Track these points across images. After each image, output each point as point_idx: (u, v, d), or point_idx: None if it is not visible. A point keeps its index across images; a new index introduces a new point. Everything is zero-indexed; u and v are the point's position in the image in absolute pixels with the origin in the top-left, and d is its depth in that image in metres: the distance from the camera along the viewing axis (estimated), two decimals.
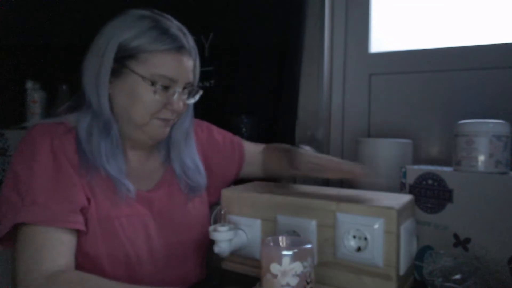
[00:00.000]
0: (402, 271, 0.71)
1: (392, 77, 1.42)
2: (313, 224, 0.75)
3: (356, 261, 0.71)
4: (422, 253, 0.80)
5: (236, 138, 1.05)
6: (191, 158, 0.91)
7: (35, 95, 1.59)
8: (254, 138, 1.43)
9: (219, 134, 1.03)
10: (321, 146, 1.47)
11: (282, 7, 1.46)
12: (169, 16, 0.83)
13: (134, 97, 0.77)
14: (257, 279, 0.78)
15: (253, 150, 1.05)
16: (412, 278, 0.81)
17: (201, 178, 0.92)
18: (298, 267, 0.52)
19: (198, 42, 0.98)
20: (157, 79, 0.76)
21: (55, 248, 0.68)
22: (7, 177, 0.74)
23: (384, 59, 1.44)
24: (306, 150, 0.93)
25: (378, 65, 1.45)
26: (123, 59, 0.77)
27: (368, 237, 0.69)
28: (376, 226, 0.69)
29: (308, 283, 0.53)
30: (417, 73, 1.37)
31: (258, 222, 0.81)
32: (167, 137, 0.87)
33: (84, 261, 0.74)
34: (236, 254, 0.83)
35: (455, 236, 0.78)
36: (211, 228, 0.79)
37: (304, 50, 1.47)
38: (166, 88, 0.78)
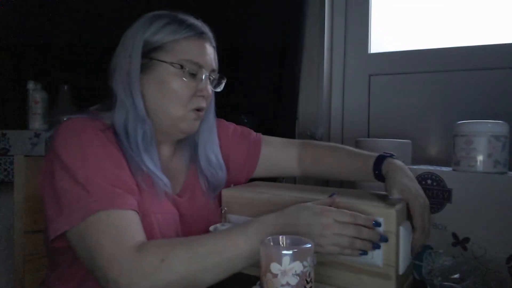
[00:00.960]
0: (401, 271, 0.71)
1: (392, 78, 1.42)
2: None
3: (355, 261, 0.71)
4: (422, 252, 0.81)
5: (254, 134, 1.03)
6: (215, 154, 0.93)
7: (36, 96, 1.59)
8: None
9: (237, 130, 1.03)
10: None
11: (282, 7, 1.46)
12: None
13: (165, 87, 0.79)
14: (257, 278, 0.79)
15: (277, 142, 1.03)
16: (411, 277, 0.81)
17: (223, 174, 0.93)
18: (298, 266, 0.52)
19: None
20: (185, 64, 0.79)
21: (130, 227, 0.68)
22: (58, 173, 0.71)
23: (384, 60, 1.44)
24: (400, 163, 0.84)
25: (377, 65, 1.45)
26: (150, 53, 0.79)
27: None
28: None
29: (307, 282, 0.54)
30: (417, 73, 1.38)
31: None
32: (193, 134, 0.89)
33: None
34: None
35: (454, 235, 0.79)
36: (211, 227, 0.79)
37: (304, 50, 1.48)
38: (193, 75, 0.80)
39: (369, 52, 1.47)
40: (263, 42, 1.49)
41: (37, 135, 1.48)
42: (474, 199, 0.76)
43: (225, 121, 1.03)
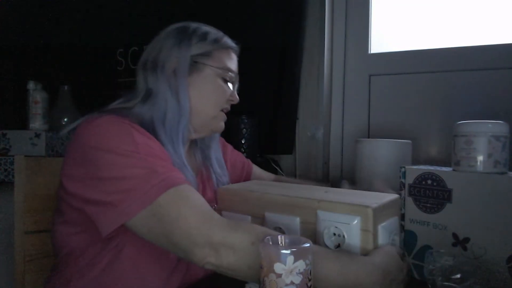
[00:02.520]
0: None
1: (392, 78, 1.42)
2: (296, 221, 0.77)
3: None
4: (422, 252, 0.81)
5: (247, 161, 1.15)
6: (222, 158, 1.02)
7: (37, 96, 1.59)
8: (254, 138, 1.44)
9: (233, 152, 1.13)
10: (321, 146, 1.48)
11: (282, 7, 1.47)
12: None
13: (210, 87, 0.88)
14: None
15: (260, 174, 1.15)
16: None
17: (227, 176, 1.01)
18: (301, 265, 0.53)
19: None
20: (226, 71, 0.89)
21: (202, 199, 0.71)
22: (108, 162, 0.69)
23: (384, 60, 1.44)
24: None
25: (378, 65, 1.45)
26: (195, 57, 0.87)
27: (345, 234, 0.70)
28: (352, 224, 0.70)
29: (309, 280, 0.54)
30: (417, 73, 1.38)
31: (248, 219, 0.83)
32: (200, 139, 0.97)
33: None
34: None
35: (454, 235, 0.79)
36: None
37: (304, 51, 1.48)
38: (229, 82, 0.91)
39: (369, 52, 1.48)
40: (263, 42, 1.49)
41: (37, 135, 1.48)
42: (474, 199, 0.76)
43: (223, 139, 1.11)
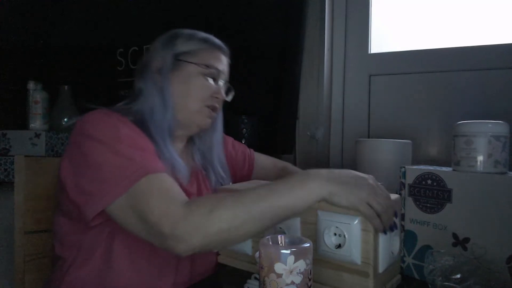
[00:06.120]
0: (381, 269, 0.72)
1: (392, 78, 1.42)
2: (297, 221, 0.77)
3: (335, 258, 0.73)
4: (422, 252, 0.81)
5: (249, 150, 1.17)
6: (224, 159, 1.04)
7: (37, 96, 1.59)
8: (254, 138, 1.44)
9: (234, 145, 1.15)
10: (321, 146, 1.48)
11: (282, 7, 1.47)
12: None
13: (190, 83, 0.91)
14: (248, 273, 0.81)
15: (265, 162, 1.17)
16: (399, 276, 0.81)
17: (228, 177, 1.04)
18: (301, 265, 0.53)
19: None
20: (209, 68, 0.91)
21: (175, 186, 0.74)
22: (93, 151, 0.73)
23: (384, 60, 1.44)
24: None
25: (378, 65, 1.45)
26: (179, 55, 0.91)
27: (346, 234, 0.71)
28: (353, 224, 0.70)
29: (309, 280, 0.54)
30: (417, 73, 1.38)
31: None
32: (199, 140, 1.00)
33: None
34: (229, 249, 0.88)
35: (454, 235, 0.79)
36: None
37: (304, 51, 1.48)
38: (213, 79, 0.93)
39: (369, 52, 1.47)
40: (263, 42, 1.49)
41: (37, 135, 1.48)
42: (474, 199, 0.76)
43: (224, 134, 1.10)
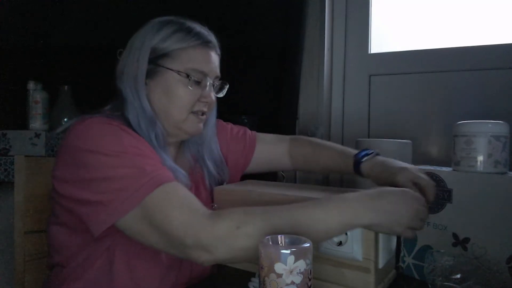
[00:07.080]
0: (380, 265, 0.73)
1: (392, 78, 1.42)
2: None
3: (337, 255, 0.74)
4: (422, 252, 0.81)
5: (250, 131, 1.09)
6: (218, 153, 0.98)
7: (37, 96, 1.59)
8: None
9: (233, 129, 1.07)
10: None
11: (282, 7, 1.47)
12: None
13: (171, 92, 0.82)
14: (248, 273, 0.81)
15: (270, 139, 1.08)
16: (394, 272, 0.83)
17: (226, 171, 0.99)
18: (301, 264, 0.53)
19: None
20: (190, 73, 0.82)
21: (192, 196, 0.71)
22: (96, 163, 0.69)
23: (384, 60, 1.44)
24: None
25: (378, 65, 1.45)
26: (157, 59, 0.82)
27: (348, 232, 0.71)
28: None
29: (309, 279, 0.54)
30: (417, 73, 1.38)
31: None
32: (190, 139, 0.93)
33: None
34: None
35: (454, 235, 0.79)
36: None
37: (304, 51, 1.48)
38: (198, 82, 0.84)
39: (369, 52, 1.47)
40: (263, 42, 1.49)
41: (37, 135, 1.48)
42: (474, 199, 0.76)
43: (222, 121, 1.06)
